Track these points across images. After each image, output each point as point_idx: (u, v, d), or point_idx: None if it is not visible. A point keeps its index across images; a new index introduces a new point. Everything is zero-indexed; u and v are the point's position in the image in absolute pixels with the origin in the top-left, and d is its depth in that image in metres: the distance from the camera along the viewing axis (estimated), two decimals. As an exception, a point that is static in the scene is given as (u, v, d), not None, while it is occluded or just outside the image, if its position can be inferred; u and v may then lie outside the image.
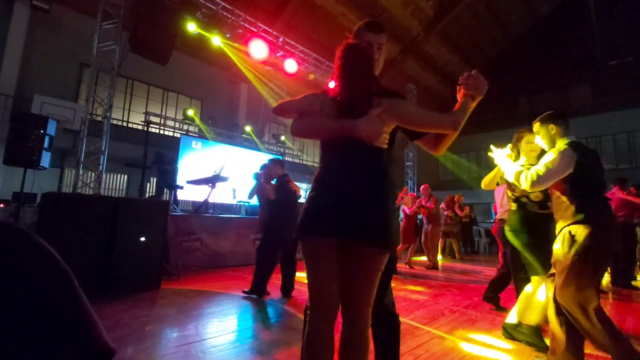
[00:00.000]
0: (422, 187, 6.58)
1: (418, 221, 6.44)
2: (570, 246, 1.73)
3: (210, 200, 6.66)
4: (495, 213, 5.54)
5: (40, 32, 9.16)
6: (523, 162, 2.35)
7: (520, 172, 1.90)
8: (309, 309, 1.19)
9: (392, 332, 1.46)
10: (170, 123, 10.49)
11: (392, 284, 4.71)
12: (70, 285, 0.44)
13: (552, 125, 1.97)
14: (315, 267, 1.16)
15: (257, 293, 3.46)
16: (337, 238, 1.13)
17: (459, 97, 1.26)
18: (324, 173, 1.22)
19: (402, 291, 4.04)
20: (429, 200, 6.22)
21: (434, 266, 6.09)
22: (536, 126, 2.06)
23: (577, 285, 1.69)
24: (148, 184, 9.99)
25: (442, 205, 7.42)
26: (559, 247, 1.81)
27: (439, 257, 7.67)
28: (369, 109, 1.16)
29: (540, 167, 1.81)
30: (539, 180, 1.79)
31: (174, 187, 6.32)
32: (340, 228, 1.10)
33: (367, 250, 1.14)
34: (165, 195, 6.76)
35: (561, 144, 1.89)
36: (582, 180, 1.79)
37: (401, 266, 6.21)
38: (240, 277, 4.61)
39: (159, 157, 6.81)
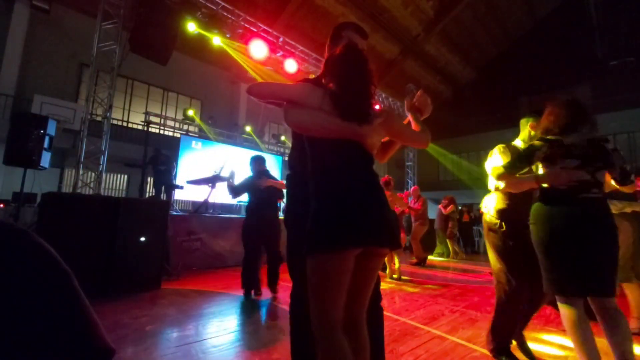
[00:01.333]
0: (412, 189, 6.92)
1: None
2: None
3: (210, 200, 6.66)
4: None
5: (40, 32, 9.16)
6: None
7: None
8: (325, 327, 1.07)
9: (382, 329, 1.51)
10: (170, 123, 10.49)
11: (392, 284, 4.71)
12: (70, 286, 0.44)
13: None
14: (337, 281, 1.07)
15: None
16: (374, 246, 1.12)
17: (408, 111, 1.40)
18: (335, 179, 1.14)
19: (402, 291, 4.04)
20: (417, 201, 6.44)
21: (422, 262, 6.29)
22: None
23: None
24: (148, 184, 9.98)
25: (452, 207, 7.53)
26: None
27: (441, 257, 7.76)
28: (369, 116, 1.17)
29: None
30: None
31: (170, 187, 6.33)
32: (377, 235, 1.10)
33: (384, 251, 1.18)
34: (163, 196, 6.77)
35: None
36: None
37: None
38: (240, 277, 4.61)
39: (154, 157, 6.84)
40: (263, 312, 3.10)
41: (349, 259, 1.07)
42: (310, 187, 1.18)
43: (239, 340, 2.32)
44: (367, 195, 1.12)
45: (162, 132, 10.51)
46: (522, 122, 2.19)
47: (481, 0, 12.43)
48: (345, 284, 1.08)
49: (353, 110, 1.15)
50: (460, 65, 15.49)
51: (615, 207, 2.55)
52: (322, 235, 1.07)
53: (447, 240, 7.78)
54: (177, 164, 7.80)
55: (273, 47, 7.49)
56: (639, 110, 12.35)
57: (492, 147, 2.28)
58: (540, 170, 1.74)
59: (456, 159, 16.10)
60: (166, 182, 6.70)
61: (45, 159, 4.26)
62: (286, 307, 3.14)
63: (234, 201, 8.56)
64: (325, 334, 1.06)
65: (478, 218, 10.50)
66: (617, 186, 1.81)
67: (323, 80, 1.27)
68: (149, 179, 9.42)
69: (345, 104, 1.15)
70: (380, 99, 10.48)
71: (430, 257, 6.77)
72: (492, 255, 2.07)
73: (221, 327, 2.56)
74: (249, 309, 3.14)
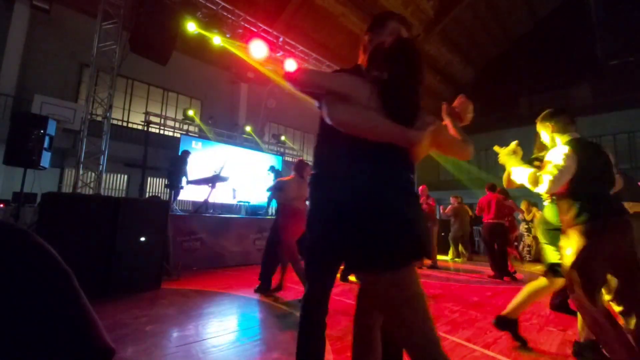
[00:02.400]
0: (420, 188, 6.62)
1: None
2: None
3: (210, 200, 6.67)
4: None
5: (40, 32, 9.16)
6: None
7: (533, 174, 1.82)
8: (433, 349, 1.00)
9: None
10: (170, 123, 10.50)
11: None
12: (70, 286, 0.44)
13: (548, 123, 1.98)
14: (423, 295, 1.03)
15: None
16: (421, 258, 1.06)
17: (446, 116, 1.26)
18: (392, 186, 1.02)
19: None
20: (427, 200, 6.35)
21: (433, 265, 6.16)
22: (537, 126, 2.07)
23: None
24: (148, 184, 9.98)
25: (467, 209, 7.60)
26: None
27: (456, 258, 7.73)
28: (417, 119, 1.07)
29: (551, 169, 1.75)
30: (554, 182, 1.73)
31: (169, 186, 6.33)
32: (426, 247, 1.04)
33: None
34: (166, 195, 6.78)
35: (562, 141, 1.89)
36: (583, 180, 1.75)
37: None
38: (241, 277, 4.61)
39: (174, 158, 6.92)
40: (263, 312, 3.10)
41: (414, 275, 1.02)
42: (346, 189, 1.05)
43: (239, 340, 2.32)
44: (416, 206, 1.06)
45: (162, 132, 10.51)
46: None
47: (481, 0, 12.44)
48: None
49: (405, 113, 1.04)
50: (460, 65, 15.50)
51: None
52: (403, 248, 0.97)
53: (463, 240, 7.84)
54: (176, 164, 7.79)
55: (273, 47, 7.49)
56: (639, 110, 12.35)
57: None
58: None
59: (456, 159, 16.08)
60: (171, 182, 6.72)
61: (45, 159, 4.26)
62: (285, 307, 3.14)
63: (234, 201, 8.58)
64: (435, 356, 0.98)
65: (478, 218, 10.54)
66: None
67: (366, 72, 1.14)
68: (149, 178, 9.40)
69: (398, 104, 1.03)
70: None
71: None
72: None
73: (221, 327, 2.56)
74: (249, 309, 3.14)
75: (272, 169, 7.56)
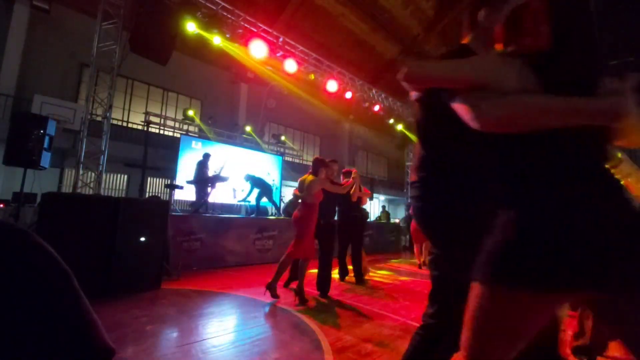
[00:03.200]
0: None
1: None
2: None
3: (210, 200, 6.67)
4: None
5: (40, 32, 9.16)
6: None
7: None
8: None
9: None
10: (170, 123, 10.49)
11: (390, 282, 4.63)
12: (70, 286, 0.44)
13: None
14: (518, 331, 0.73)
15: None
16: (596, 291, 0.70)
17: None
18: (561, 182, 0.73)
19: (403, 291, 4.05)
20: None
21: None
22: None
23: None
24: (148, 184, 9.98)
25: None
26: None
27: None
28: (598, 88, 0.76)
29: None
30: None
31: (169, 186, 6.33)
32: (607, 276, 0.68)
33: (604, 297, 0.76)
34: (166, 195, 6.78)
35: None
36: None
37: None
38: (241, 277, 4.62)
39: (197, 164, 7.00)
40: (263, 312, 3.10)
41: (553, 306, 0.72)
42: (504, 193, 0.80)
43: (239, 340, 2.32)
44: (609, 213, 0.71)
45: (162, 132, 10.51)
46: None
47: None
48: (530, 337, 0.73)
49: (583, 82, 0.75)
50: (460, 65, 15.49)
51: None
52: (529, 264, 0.69)
53: None
54: (177, 164, 7.77)
55: (273, 47, 7.49)
56: (639, 110, 12.37)
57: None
58: None
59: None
60: (199, 186, 6.80)
61: (45, 159, 4.26)
62: (286, 307, 3.14)
63: (234, 201, 8.58)
64: None
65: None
66: None
67: (496, 47, 0.87)
68: (148, 178, 9.39)
69: (575, 73, 0.75)
70: (380, 99, 10.48)
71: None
72: None
73: (221, 327, 2.56)
74: (249, 309, 3.14)
75: (247, 177, 7.65)
